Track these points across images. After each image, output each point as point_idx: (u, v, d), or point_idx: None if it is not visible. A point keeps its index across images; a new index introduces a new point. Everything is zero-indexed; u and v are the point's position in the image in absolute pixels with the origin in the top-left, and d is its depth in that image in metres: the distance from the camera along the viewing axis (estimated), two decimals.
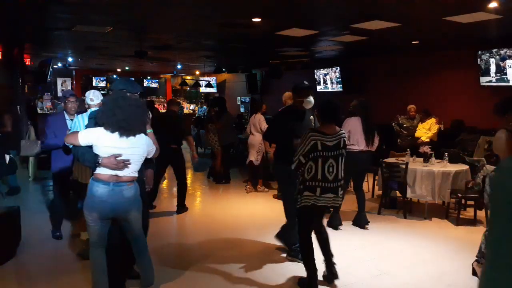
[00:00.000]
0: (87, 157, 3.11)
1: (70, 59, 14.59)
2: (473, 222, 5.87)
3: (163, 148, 5.82)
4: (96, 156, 3.03)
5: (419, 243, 5.05)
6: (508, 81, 8.23)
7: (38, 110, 14.67)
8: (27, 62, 12.00)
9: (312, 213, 3.72)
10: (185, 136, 6.50)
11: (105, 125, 3.00)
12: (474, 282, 3.93)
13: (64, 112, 4.79)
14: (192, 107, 20.37)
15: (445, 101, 9.57)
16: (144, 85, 20.02)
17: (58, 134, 4.41)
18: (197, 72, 18.91)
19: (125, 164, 3.02)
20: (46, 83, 14.52)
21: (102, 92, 4.59)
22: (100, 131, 3.02)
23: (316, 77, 12.94)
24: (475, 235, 4.28)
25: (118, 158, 3.00)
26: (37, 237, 4.98)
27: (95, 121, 3.15)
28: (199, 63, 14.40)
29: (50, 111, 15.60)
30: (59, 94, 18.20)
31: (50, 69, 12.46)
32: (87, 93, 4.33)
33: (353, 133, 5.45)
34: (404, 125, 8.56)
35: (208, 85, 18.83)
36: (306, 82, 4.50)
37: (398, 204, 6.46)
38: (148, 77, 20.52)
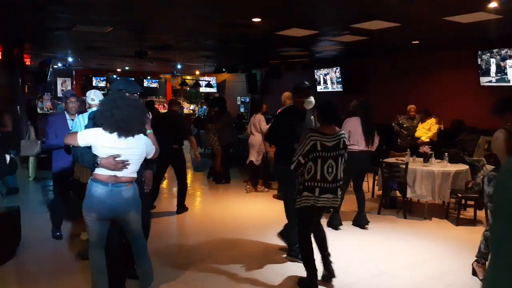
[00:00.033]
0: (86, 158, 3.11)
1: (70, 59, 14.59)
2: (473, 222, 5.87)
3: (164, 148, 5.83)
4: (95, 156, 3.02)
5: (419, 243, 5.05)
6: (508, 81, 8.23)
7: (38, 110, 14.68)
8: (27, 62, 12.00)
9: (312, 213, 3.73)
10: (187, 136, 6.51)
11: (103, 125, 3.00)
12: (474, 282, 3.94)
13: (65, 112, 4.79)
14: (192, 107, 20.37)
15: (445, 101, 9.57)
16: (144, 85, 20.02)
17: (59, 134, 4.41)
18: (197, 72, 18.92)
19: (124, 164, 3.01)
20: (46, 83, 14.51)
21: (102, 92, 4.57)
22: (98, 132, 3.01)
23: (316, 77, 12.94)
24: (475, 235, 4.28)
25: (117, 159, 2.99)
26: (37, 237, 4.98)
27: (93, 122, 3.15)
28: (199, 63, 14.40)
29: (50, 111, 15.60)
30: (59, 94, 18.20)
31: (50, 69, 12.46)
32: (88, 93, 4.33)
33: (353, 133, 5.45)
34: (404, 125, 8.56)
35: (208, 85, 18.83)
36: (306, 83, 4.50)
37: (398, 204, 6.46)
38: (148, 77, 20.53)
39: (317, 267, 3.74)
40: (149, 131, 3.40)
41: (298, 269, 4.05)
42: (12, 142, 7.49)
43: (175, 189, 6.86)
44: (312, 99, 4.35)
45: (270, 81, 14.90)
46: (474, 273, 4.01)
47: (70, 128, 4.46)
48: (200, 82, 18.12)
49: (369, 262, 4.42)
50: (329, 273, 3.84)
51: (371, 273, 4.14)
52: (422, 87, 10.10)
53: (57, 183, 4.94)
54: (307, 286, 3.72)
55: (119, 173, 3.03)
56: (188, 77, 19.79)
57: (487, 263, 3.95)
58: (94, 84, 19.17)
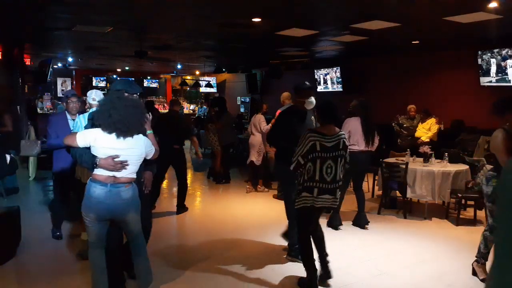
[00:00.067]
0: (85, 159, 3.10)
1: (70, 59, 14.59)
2: (473, 222, 5.87)
3: (165, 148, 5.85)
4: (94, 157, 3.01)
5: (419, 243, 5.05)
6: (509, 81, 8.23)
7: (38, 110, 14.68)
8: (27, 62, 12.00)
9: (311, 214, 3.72)
10: (190, 136, 6.52)
11: (101, 126, 2.99)
12: (474, 282, 3.94)
13: (66, 112, 4.79)
14: (192, 107, 20.38)
15: (445, 101, 9.57)
16: (144, 85, 20.02)
17: (60, 134, 4.41)
18: (197, 72, 18.92)
19: (122, 165, 3.01)
20: (46, 83, 14.51)
21: (103, 92, 4.57)
22: (97, 132, 3.01)
23: (316, 77, 12.94)
24: (475, 235, 4.28)
25: (116, 159, 2.99)
26: (37, 237, 4.98)
27: (92, 122, 3.15)
28: (199, 63, 14.40)
29: (50, 111, 15.61)
30: (59, 94, 18.21)
31: (50, 69, 12.46)
32: (88, 93, 4.33)
33: (353, 133, 5.45)
34: (404, 125, 8.56)
35: (208, 85, 18.83)
36: (307, 83, 4.48)
37: (398, 204, 6.46)
38: (148, 77, 20.53)
39: (317, 267, 3.75)
40: (149, 131, 3.39)
41: (298, 269, 4.05)
42: (12, 142, 7.50)
43: (175, 189, 6.86)
44: (313, 99, 4.34)
45: (270, 81, 14.90)
46: (474, 273, 4.01)
47: (72, 128, 4.47)
48: (200, 82, 18.12)
49: (369, 262, 4.42)
50: (326, 274, 3.83)
51: (371, 273, 4.14)
52: (422, 87, 10.10)
53: (57, 183, 4.94)
54: (307, 286, 3.72)
55: (118, 174, 3.03)
56: (188, 77, 19.79)
57: (487, 263, 3.96)
58: (94, 84, 19.18)
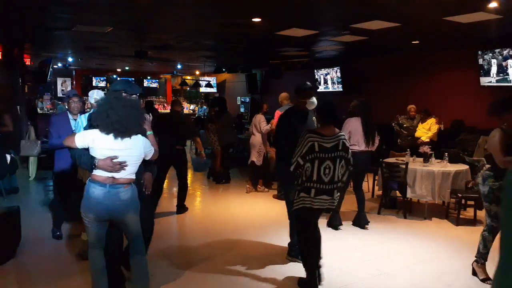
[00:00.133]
0: (84, 160, 3.09)
1: (70, 59, 14.59)
2: (473, 222, 5.87)
3: (166, 149, 5.86)
4: (93, 158, 3.01)
5: (419, 243, 5.05)
6: (510, 81, 8.23)
7: (38, 110, 14.69)
8: (27, 62, 12.00)
9: (310, 214, 3.70)
10: (193, 137, 6.52)
11: (99, 127, 2.99)
12: (474, 282, 3.94)
13: (68, 112, 4.80)
14: (192, 107, 20.38)
15: (445, 101, 9.57)
16: (144, 85, 20.03)
17: (62, 134, 4.41)
18: (197, 72, 18.92)
19: (121, 166, 3.00)
20: (46, 83, 14.53)
21: (104, 92, 4.57)
22: (95, 133, 3.00)
23: (316, 77, 12.95)
24: (475, 235, 4.28)
25: (114, 160, 2.98)
26: (37, 237, 4.98)
27: (90, 123, 3.14)
28: (199, 63, 14.40)
29: (50, 111, 15.62)
30: (59, 94, 18.23)
31: (50, 69, 12.46)
32: (90, 93, 4.32)
33: (354, 133, 5.45)
34: (404, 125, 8.56)
35: (208, 85, 18.84)
36: (308, 83, 4.46)
37: (398, 204, 6.46)
38: (148, 77, 20.54)
39: (320, 266, 3.74)
40: (149, 132, 3.38)
41: (298, 269, 4.05)
42: (12, 142, 7.50)
43: (175, 189, 6.86)
44: (314, 99, 4.32)
45: (270, 81, 14.90)
46: (474, 273, 4.01)
47: (73, 128, 4.48)
48: (200, 82, 18.12)
49: (369, 262, 4.42)
50: (318, 277, 3.81)
51: (371, 273, 4.14)
52: (422, 87, 10.10)
53: (58, 183, 4.94)
54: (307, 286, 3.72)
55: (117, 175, 3.02)
56: (188, 77, 19.80)
57: (486, 263, 3.96)
58: (94, 84, 19.20)
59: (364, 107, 5.58)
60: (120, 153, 3.00)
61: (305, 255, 3.77)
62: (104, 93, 4.28)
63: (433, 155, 6.39)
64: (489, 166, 3.98)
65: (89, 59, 14.44)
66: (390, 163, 6.26)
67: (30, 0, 5.83)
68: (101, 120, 2.97)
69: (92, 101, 4.22)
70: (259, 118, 7.59)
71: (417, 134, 8.35)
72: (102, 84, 19.42)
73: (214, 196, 7.72)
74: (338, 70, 12.20)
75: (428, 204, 6.13)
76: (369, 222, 5.60)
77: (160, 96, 21.03)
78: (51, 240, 4.92)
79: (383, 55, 10.83)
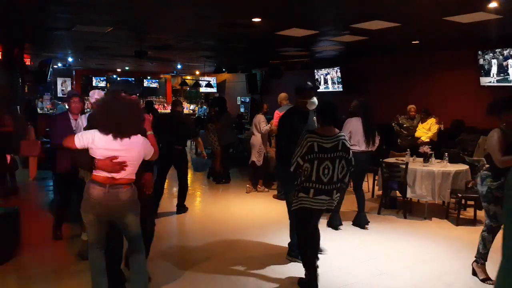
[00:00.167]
0: (84, 160, 3.09)
1: (70, 59, 14.59)
2: (473, 222, 5.87)
3: (167, 149, 5.86)
4: (93, 158, 3.01)
5: (419, 243, 5.05)
6: (510, 81, 8.23)
7: (38, 110, 14.68)
8: (27, 62, 12.00)
9: (309, 214, 3.70)
10: (194, 137, 6.52)
11: (98, 127, 2.99)
12: (474, 282, 3.94)
13: (68, 112, 4.81)
14: (192, 107, 20.38)
15: (445, 101, 9.57)
16: (144, 85, 20.03)
17: (63, 134, 4.40)
18: (197, 72, 18.92)
19: (121, 166, 3.00)
20: (46, 83, 14.52)
21: (104, 92, 4.57)
22: (94, 134, 3.00)
23: (316, 77, 12.94)
24: (475, 235, 4.28)
25: (114, 161, 2.98)
26: (37, 237, 4.98)
27: (90, 123, 3.14)
28: (199, 63, 14.40)
29: (50, 111, 15.62)
30: (59, 94, 18.22)
31: (50, 69, 12.47)
32: (91, 93, 4.32)
33: (354, 133, 5.44)
34: (404, 125, 8.56)
35: (208, 85, 18.83)
36: (309, 83, 4.45)
37: (398, 204, 6.46)
38: (148, 77, 20.53)
39: (317, 267, 3.74)
40: (149, 132, 3.38)
41: (298, 269, 4.05)
42: (12, 143, 7.49)
43: (175, 189, 6.87)
44: (315, 99, 4.31)
45: (270, 81, 14.90)
46: (474, 273, 4.01)
47: (74, 128, 4.49)
48: (200, 82, 18.12)
49: (369, 262, 4.42)
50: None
51: (371, 273, 4.14)
52: (422, 87, 10.10)
53: (58, 183, 4.95)
54: (307, 286, 3.72)
55: (116, 175, 3.01)
56: (188, 77, 19.79)
57: (486, 263, 3.96)
58: (94, 84, 19.18)
59: (364, 107, 5.58)
60: (119, 153, 3.00)
61: (305, 255, 3.77)
62: (105, 93, 4.28)
63: (433, 155, 6.39)
64: (488, 166, 3.99)
65: (89, 59, 14.43)
66: (390, 163, 6.26)
67: (30, 0, 5.83)
68: (99, 121, 2.97)
69: (93, 101, 4.22)
70: (259, 118, 7.60)
71: (417, 134, 8.35)
72: (102, 84, 19.40)
73: (214, 196, 7.72)
74: (338, 70, 12.20)
75: (428, 204, 6.13)
76: (369, 222, 5.60)
77: (160, 96, 21.02)
78: (51, 240, 4.92)
79: (383, 55, 10.83)
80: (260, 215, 6.31)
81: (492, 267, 3.84)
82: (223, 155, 8.46)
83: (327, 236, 4.65)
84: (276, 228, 5.39)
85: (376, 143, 5.59)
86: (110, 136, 2.98)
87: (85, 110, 4.84)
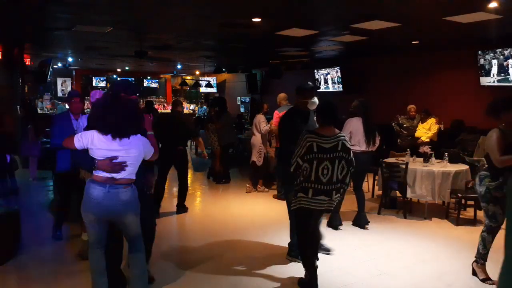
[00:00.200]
0: (84, 161, 3.09)
1: (70, 59, 14.59)
2: (473, 222, 5.88)
3: (168, 149, 5.86)
4: (93, 159, 3.01)
5: (419, 243, 5.05)
6: (511, 81, 8.22)
7: (38, 110, 14.68)
8: (27, 62, 12.00)
9: (308, 214, 3.69)
10: (194, 137, 6.51)
11: (97, 127, 2.99)
12: (474, 282, 3.94)
13: (69, 112, 4.81)
14: (192, 107, 20.38)
15: (445, 101, 9.57)
16: (144, 85, 20.03)
17: (63, 134, 4.41)
18: (197, 72, 18.92)
19: (121, 166, 3.00)
20: (46, 83, 14.51)
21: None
22: (93, 134, 3.00)
23: (317, 77, 12.94)
24: (475, 235, 4.28)
25: (114, 161, 2.98)
26: (37, 237, 4.98)
27: (89, 124, 3.14)
28: (199, 63, 14.40)
29: (50, 111, 15.62)
30: (59, 94, 18.23)
31: (50, 69, 12.46)
32: (92, 93, 4.31)
33: (355, 134, 5.44)
34: (404, 125, 8.56)
35: (208, 85, 18.84)
36: (310, 83, 4.46)
37: (398, 204, 6.46)
38: (148, 77, 20.53)
39: (317, 267, 3.74)
40: (149, 132, 3.38)
41: (298, 269, 4.05)
42: (12, 142, 7.48)
43: (175, 189, 6.87)
44: (316, 99, 4.30)
45: (270, 81, 14.90)
46: (474, 273, 4.01)
47: (75, 128, 4.49)
48: (200, 82, 18.12)
49: (369, 262, 4.42)
50: None
51: (371, 273, 4.14)
52: (422, 87, 10.10)
53: (58, 183, 4.95)
54: (307, 286, 3.72)
55: (117, 175, 3.01)
56: (188, 77, 19.79)
57: (486, 263, 3.96)
58: (94, 84, 19.19)
59: (364, 107, 5.58)
60: (119, 154, 3.00)
61: (305, 255, 3.77)
62: (104, 93, 4.28)
63: (433, 155, 6.39)
64: (487, 166, 3.99)
65: (89, 59, 14.43)
66: (390, 163, 6.26)
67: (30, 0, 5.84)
68: (98, 121, 2.98)
69: (93, 102, 4.22)
70: (259, 118, 7.61)
71: (417, 134, 8.35)
72: (102, 84, 19.41)
73: (214, 196, 7.72)
74: (338, 70, 12.20)
75: (428, 204, 6.13)
76: (369, 222, 5.60)
77: (160, 96, 21.03)
78: (51, 240, 4.92)
79: (383, 55, 10.83)
80: (260, 215, 6.31)
81: (492, 267, 3.84)
82: (223, 155, 8.46)
83: (327, 236, 4.65)
84: (276, 228, 5.39)
85: (376, 143, 5.60)
86: (109, 136, 2.98)
87: (85, 111, 4.85)
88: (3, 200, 4.84)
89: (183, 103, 19.66)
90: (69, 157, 4.39)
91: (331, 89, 12.61)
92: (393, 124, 8.75)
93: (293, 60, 12.69)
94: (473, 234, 5.14)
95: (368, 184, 7.52)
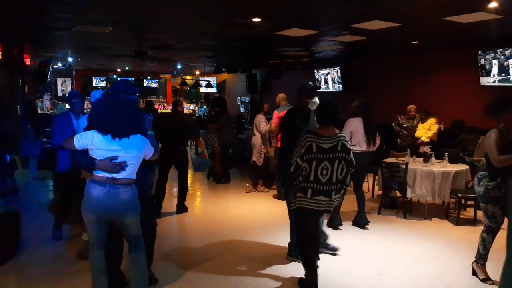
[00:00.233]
0: (84, 161, 3.09)
1: (70, 59, 14.59)
2: (473, 222, 5.88)
3: (169, 149, 5.86)
4: (93, 159, 3.00)
5: (419, 243, 5.05)
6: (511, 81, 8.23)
7: (38, 110, 14.67)
8: (27, 62, 12.00)
9: (307, 214, 3.69)
10: (194, 137, 6.52)
11: (96, 128, 2.99)
12: (474, 282, 3.94)
13: (70, 112, 4.82)
14: (192, 107, 20.39)
15: (445, 101, 9.57)
16: (144, 85, 20.02)
17: (64, 134, 4.41)
18: (197, 72, 18.92)
19: (121, 166, 3.00)
20: (46, 83, 14.51)
21: None
22: (93, 134, 3.00)
23: (317, 77, 12.94)
24: (475, 235, 4.28)
25: (114, 161, 2.98)
26: (37, 237, 4.98)
27: (89, 124, 3.14)
28: (199, 63, 14.40)
29: (50, 111, 15.61)
30: (59, 94, 18.22)
31: (50, 69, 12.46)
32: (93, 93, 4.31)
33: (355, 134, 5.44)
34: (404, 125, 8.56)
35: (208, 85, 18.83)
36: (311, 83, 4.47)
37: (398, 204, 6.46)
38: (148, 77, 20.53)
39: (317, 267, 3.74)
40: (149, 132, 3.38)
41: (298, 269, 4.05)
42: (12, 142, 7.49)
43: (175, 189, 6.87)
44: (316, 99, 4.31)
45: (270, 81, 14.90)
46: (474, 273, 4.01)
47: (76, 128, 4.49)
48: (200, 82, 18.12)
49: (369, 262, 4.42)
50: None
51: (371, 273, 4.14)
52: (422, 87, 10.10)
53: (59, 183, 4.95)
54: (307, 286, 3.72)
55: (117, 175, 3.01)
56: (188, 77, 19.79)
57: (486, 263, 3.96)
58: (94, 84, 19.19)
59: (365, 107, 5.58)
60: (119, 154, 3.00)
61: (305, 255, 3.77)
62: (103, 93, 4.28)
63: (433, 155, 6.39)
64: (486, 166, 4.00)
65: (89, 59, 14.44)
66: (390, 163, 6.26)
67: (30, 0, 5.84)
68: (98, 121, 2.98)
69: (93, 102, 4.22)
70: (260, 118, 7.61)
71: (417, 134, 8.35)
72: (102, 84, 19.41)
73: (214, 196, 7.72)
74: (338, 70, 12.20)
75: (428, 204, 6.13)
76: (369, 222, 5.60)
77: (160, 96, 21.03)
78: (51, 240, 4.92)
79: (383, 55, 10.83)
80: (260, 215, 6.31)
81: (492, 267, 3.84)
82: (223, 155, 8.47)
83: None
84: (276, 228, 5.39)
85: (376, 143, 5.60)
86: (109, 137, 2.98)
87: (85, 111, 4.85)
88: (3, 200, 4.85)
89: (183, 103, 19.71)
90: (69, 157, 4.39)
91: (331, 89, 12.61)
92: (393, 124, 8.75)
93: (293, 60, 12.69)
94: (473, 234, 5.14)
95: (368, 184, 7.52)
